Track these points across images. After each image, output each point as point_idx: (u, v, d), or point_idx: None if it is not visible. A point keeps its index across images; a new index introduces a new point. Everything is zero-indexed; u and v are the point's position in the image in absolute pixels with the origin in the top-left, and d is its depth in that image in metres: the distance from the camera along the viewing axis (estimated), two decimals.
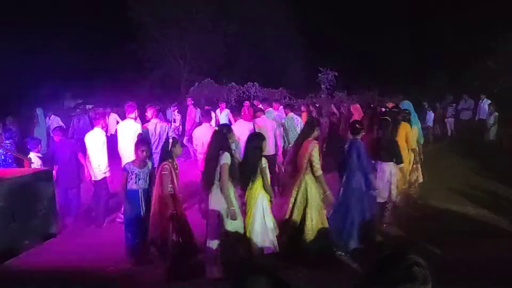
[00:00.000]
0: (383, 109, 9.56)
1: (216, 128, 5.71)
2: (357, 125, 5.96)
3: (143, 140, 6.22)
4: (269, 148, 7.93)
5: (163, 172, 5.17)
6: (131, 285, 5.24)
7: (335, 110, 12.86)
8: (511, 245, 5.70)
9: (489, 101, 13.78)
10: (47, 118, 12.56)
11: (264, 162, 5.12)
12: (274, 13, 23.87)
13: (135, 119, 7.96)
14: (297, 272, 4.83)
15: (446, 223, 6.62)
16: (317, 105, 14.06)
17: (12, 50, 16.88)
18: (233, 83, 15.98)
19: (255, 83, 15.78)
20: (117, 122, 12.33)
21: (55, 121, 12.40)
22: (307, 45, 24.16)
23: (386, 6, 23.27)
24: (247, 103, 11.55)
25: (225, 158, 4.80)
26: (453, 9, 20.91)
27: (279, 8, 23.96)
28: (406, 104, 8.97)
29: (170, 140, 5.38)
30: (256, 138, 5.22)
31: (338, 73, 15.05)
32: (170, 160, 5.33)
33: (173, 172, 5.28)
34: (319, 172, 5.29)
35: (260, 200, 5.04)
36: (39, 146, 7.33)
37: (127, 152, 7.19)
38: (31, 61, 17.71)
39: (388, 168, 6.55)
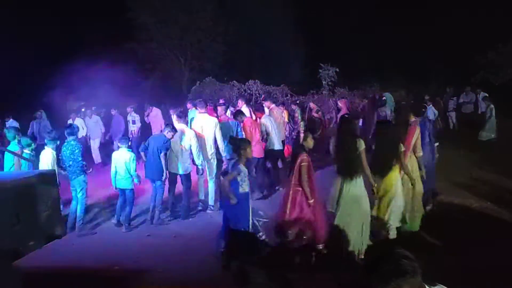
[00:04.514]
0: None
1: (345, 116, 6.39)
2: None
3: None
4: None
5: (303, 164, 5.26)
6: (137, 285, 5.28)
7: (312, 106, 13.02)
8: None
9: (485, 94, 13.70)
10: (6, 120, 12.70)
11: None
12: (274, 11, 23.83)
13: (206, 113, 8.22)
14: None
15: (448, 216, 6.63)
16: (298, 102, 14.27)
17: (12, 51, 16.95)
18: (234, 82, 15.97)
19: (256, 81, 15.77)
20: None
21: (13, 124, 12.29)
22: (307, 42, 24.13)
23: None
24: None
25: (362, 144, 5.29)
26: (454, 2, 20.83)
27: (279, 5, 23.93)
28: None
29: (302, 134, 5.37)
30: (389, 125, 5.87)
31: (339, 69, 15.04)
32: (304, 152, 5.40)
33: (310, 163, 5.41)
34: (421, 152, 6.05)
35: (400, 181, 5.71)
36: (129, 142, 7.75)
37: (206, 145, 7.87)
38: (32, 62, 17.77)
39: None
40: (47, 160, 7.01)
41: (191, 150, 7.61)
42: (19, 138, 7.42)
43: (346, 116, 6.73)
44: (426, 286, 1.98)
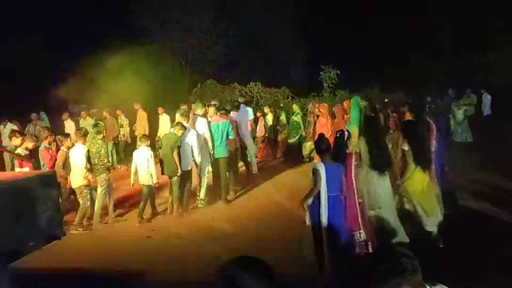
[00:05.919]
0: None
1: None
2: None
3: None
4: None
5: (355, 162, 5.18)
6: (136, 286, 5.30)
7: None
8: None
9: (489, 96, 13.68)
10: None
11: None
12: (275, 13, 23.89)
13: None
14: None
15: (447, 216, 6.61)
16: (282, 105, 14.65)
17: (13, 53, 17.01)
18: (235, 84, 16.01)
19: (257, 83, 15.81)
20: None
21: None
22: (308, 44, 24.18)
23: (387, 1, 23.25)
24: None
25: (389, 142, 5.73)
26: (455, 3, 20.83)
27: (280, 8, 23.99)
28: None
29: (346, 133, 5.22)
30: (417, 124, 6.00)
31: (340, 71, 15.05)
32: (350, 152, 5.30)
33: None
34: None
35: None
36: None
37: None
38: (32, 64, 17.80)
39: None
40: (80, 155, 7.25)
41: (192, 147, 8.05)
42: (50, 138, 7.83)
43: (372, 116, 6.95)
44: (427, 285, 1.98)
